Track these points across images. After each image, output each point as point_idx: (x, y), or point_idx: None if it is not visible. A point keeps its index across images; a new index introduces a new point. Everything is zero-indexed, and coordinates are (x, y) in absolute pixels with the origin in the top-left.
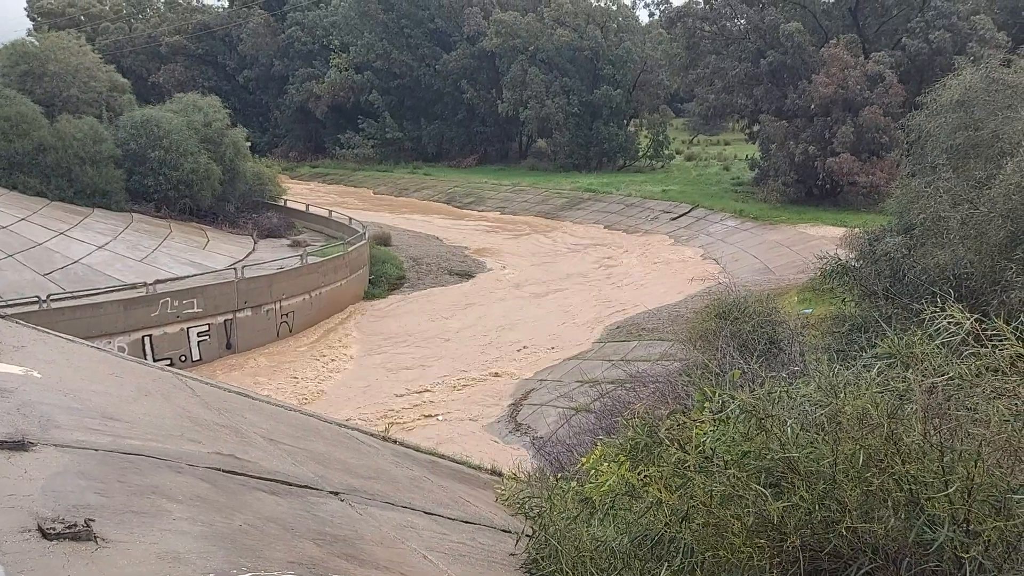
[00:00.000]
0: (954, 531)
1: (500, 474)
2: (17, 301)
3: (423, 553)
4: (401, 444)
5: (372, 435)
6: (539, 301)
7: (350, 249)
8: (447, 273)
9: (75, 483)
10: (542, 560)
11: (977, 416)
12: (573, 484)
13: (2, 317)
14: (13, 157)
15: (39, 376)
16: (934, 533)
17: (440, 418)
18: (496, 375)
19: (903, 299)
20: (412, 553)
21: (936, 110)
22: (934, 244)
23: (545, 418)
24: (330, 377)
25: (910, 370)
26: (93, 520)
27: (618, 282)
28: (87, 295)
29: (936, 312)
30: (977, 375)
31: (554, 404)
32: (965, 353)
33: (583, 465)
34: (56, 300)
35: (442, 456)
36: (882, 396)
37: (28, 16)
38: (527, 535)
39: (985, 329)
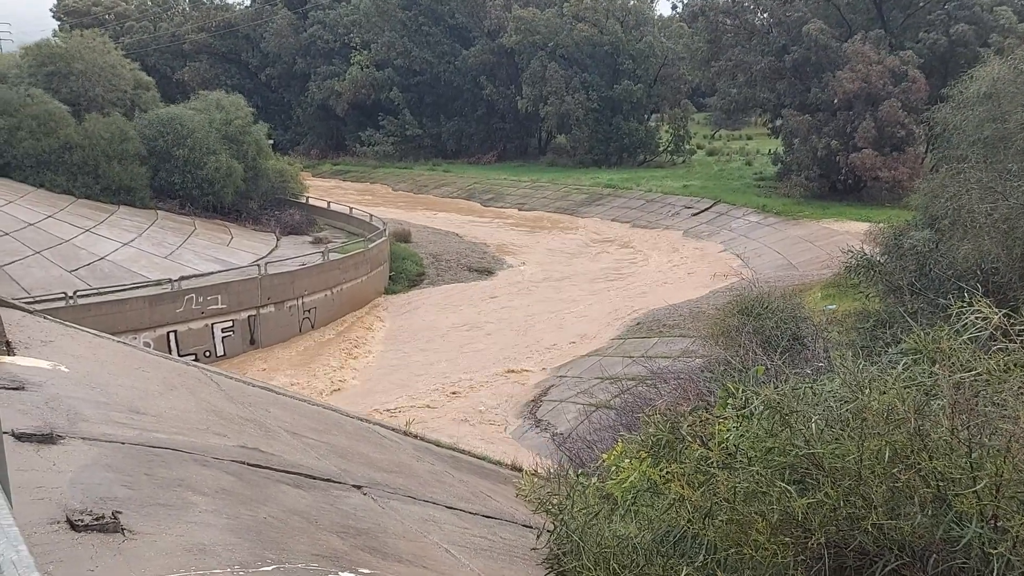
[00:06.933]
0: (982, 527)
1: (520, 469)
2: (45, 297)
3: (445, 547)
4: (422, 439)
5: (393, 430)
6: (559, 297)
7: (371, 246)
8: (467, 270)
9: (103, 476)
10: (563, 556)
11: (1006, 412)
12: (594, 480)
13: (31, 313)
14: (40, 155)
15: (67, 370)
16: (961, 530)
17: (460, 413)
18: (515, 371)
19: (929, 294)
20: (434, 547)
21: (963, 103)
22: (961, 237)
23: (565, 414)
24: (351, 372)
25: (937, 366)
26: (120, 512)
27: (638, 278)
28: (113, 291)
29: (963, 307)
30: (1006, 371)
31: (574, 400)
32: (993, 349)
33: (604, 461)
34: (83, 296)
35: (463, 451)
36: (908, 392)
37: (53, 16)
38: (548, 531)
39: (1014, 324)
